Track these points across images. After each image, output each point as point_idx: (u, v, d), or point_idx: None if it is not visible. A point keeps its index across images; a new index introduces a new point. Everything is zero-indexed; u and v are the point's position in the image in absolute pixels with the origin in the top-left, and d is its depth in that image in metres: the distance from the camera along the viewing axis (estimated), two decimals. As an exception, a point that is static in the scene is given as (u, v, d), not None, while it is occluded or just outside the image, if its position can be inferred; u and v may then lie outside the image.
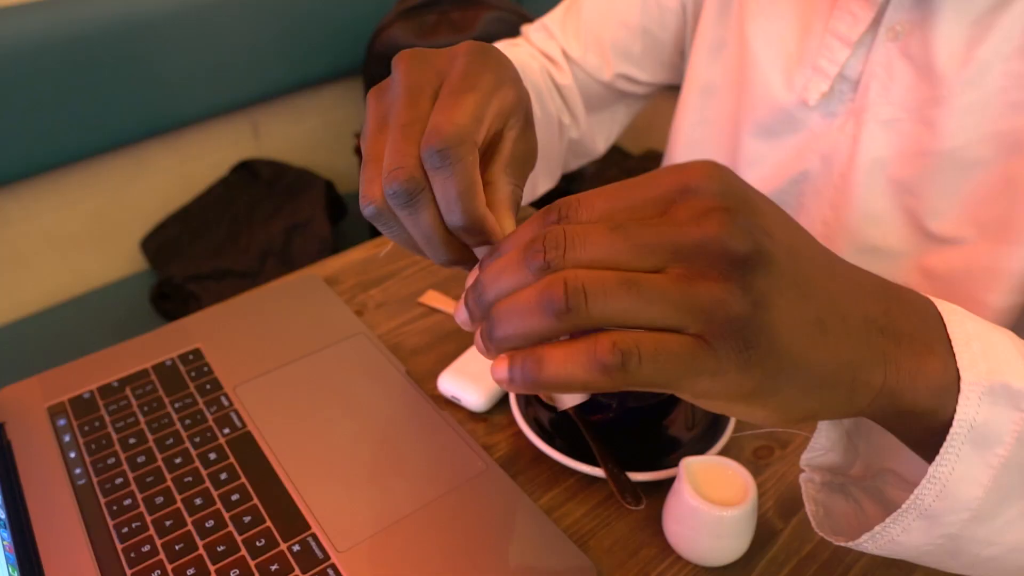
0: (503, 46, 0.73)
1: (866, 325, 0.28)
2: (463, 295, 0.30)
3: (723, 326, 0.25)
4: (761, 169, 0.63)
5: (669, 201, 0.27)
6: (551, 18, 0.74)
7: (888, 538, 0.32)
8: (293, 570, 0.46)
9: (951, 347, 0.29)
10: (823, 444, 0.36)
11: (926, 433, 0.30)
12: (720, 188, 0.26)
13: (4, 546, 0.47)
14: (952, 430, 0.29)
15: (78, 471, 0.53)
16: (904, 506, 0.30)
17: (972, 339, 0.30)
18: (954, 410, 0.29)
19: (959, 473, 0.29)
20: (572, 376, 0.26)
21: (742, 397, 0.27)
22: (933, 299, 0.31)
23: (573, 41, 0.72)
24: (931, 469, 0.29)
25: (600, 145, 0.77)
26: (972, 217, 0.54)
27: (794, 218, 0.29)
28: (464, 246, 0.35)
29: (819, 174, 0.60)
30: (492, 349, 0.29)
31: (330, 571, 0.46)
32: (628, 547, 0.48)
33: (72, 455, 0.54)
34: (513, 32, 1.27)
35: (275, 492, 0.51)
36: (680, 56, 0.72)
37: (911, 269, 0.57)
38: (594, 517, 0.50)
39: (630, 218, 0.27)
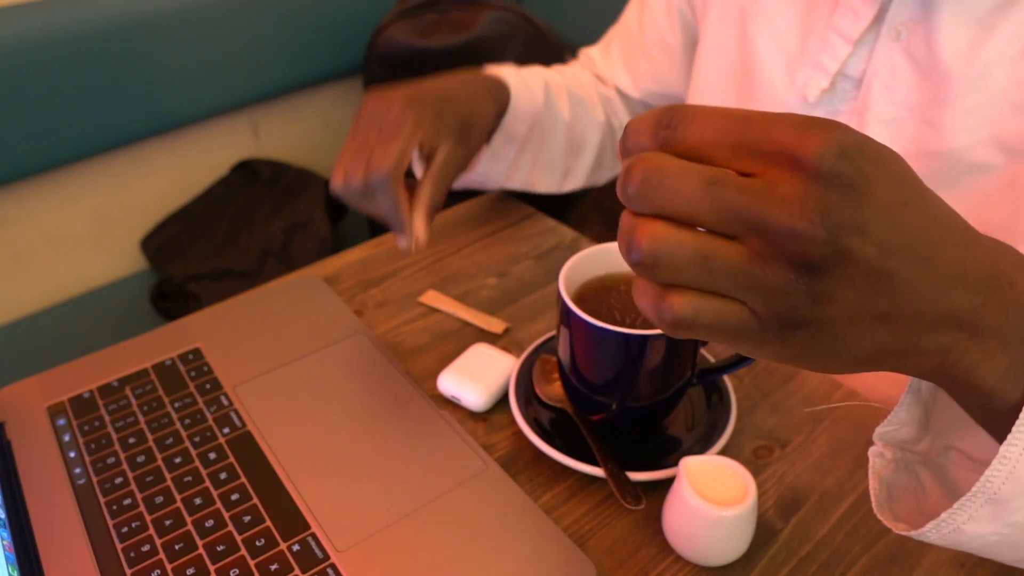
0: (562, 69, 0.83)
1: (942, 320, 0.28)
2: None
3: (776, 311, 0.26)
4: None
5: (776, 161, 0.25)
6: (594, 51, 0.84)
7: (954, 526, 0.31)
8: (293, 570, 0.46)
9: None
10: (902, 418, 0.36)
11: (992, 412, 0.30)
12: (837, 171, 0.25)
13: (4, 546, 0.47)
14: (1023, 415, 0.28)
15: (78, 471, 0.53)
16: (973, 490, 0.30)
17: None
18: (1012, 402, 0.29)
19: None
20: (644, 310, 0.28)
21: (776, 358, 0.28)
22: None
23: (613, 74, 0.80)
24: (1002, 449, 0.29)
25: None
26: (975, 219, 0.53)
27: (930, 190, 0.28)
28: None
29: None
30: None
31: (330, 571, 0.46)
32: (628, 547, 0.48)
33: (72, 455, 0.54)
34: (513, 32, 1.27)
35: (275, 492, 0.51)
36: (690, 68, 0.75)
37: None
38: (594, 517, 0.50)
39: (730, 159, 0.26)
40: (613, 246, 0.53)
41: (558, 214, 0.89)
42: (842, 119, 0.57)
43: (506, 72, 0.72)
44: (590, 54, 0.83)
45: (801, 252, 0.25)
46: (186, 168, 1.42)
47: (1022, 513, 0.30)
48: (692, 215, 0.26)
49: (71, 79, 1.18)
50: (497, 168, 0.71)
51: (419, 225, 0.58)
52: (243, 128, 1.47)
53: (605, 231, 1.25)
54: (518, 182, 0.74)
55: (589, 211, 1.27)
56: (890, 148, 0.27)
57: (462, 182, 0.73)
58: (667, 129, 0.27)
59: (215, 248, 1.33)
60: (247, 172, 1.45)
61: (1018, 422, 0.28)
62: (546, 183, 0.77)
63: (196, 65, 1.31)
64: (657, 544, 0.48)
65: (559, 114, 0.74)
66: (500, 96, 0.68)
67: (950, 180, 0.53)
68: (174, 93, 1.30)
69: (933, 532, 0.31)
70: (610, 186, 1.34)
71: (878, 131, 0.55)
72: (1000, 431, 0.29)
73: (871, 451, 0.36)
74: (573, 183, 0.79)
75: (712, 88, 0.67)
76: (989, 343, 0.28)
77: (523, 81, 0.71)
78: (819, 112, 0.59)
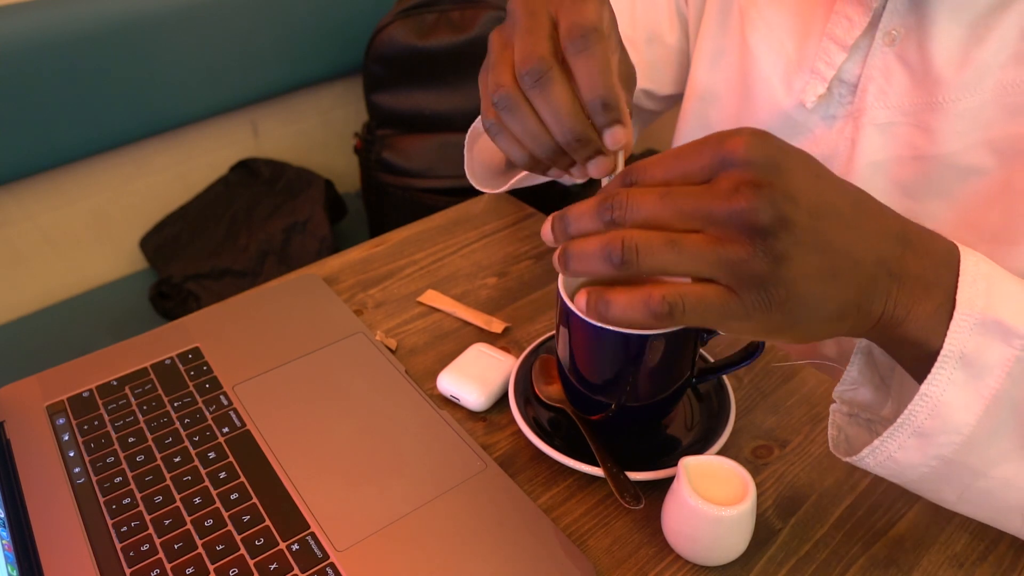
0: None
1: (877, 268, 0.34)
2: (550, 217, 0.37)
3: (747, 280, 0.32)
4: None
5: (714, 169, 0.32)
6: None
7: (886, 454, 0.36)
8: (292, 569, 0.46)
9: (954, 294, 0.34)
10: (854, 378, 0.42)
11: (922, 362, 0.35)
12: (755, 159, 0.31)
13: (3, 545, 0.47)
14: (942, 352, 0.34)
15: (77, 470, 0.53)
16: (898, 421, 0.35)
17: (980, 279, 0.34)
18: (942, 343, 0.34)
19: (950, 396, 0.34)
20: (631, 319, 0.34)
21: (767, 332, 0.34)
22: (962, 248, 0.36)
23: None
24: (923, 387, 0.34)
25: None
26: (969, 223, 0.54)
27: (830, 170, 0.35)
28: (589, 126, 0.40)
29: None
30: (567, 272, 0.36)
31: (329, 570, 0.46)
32: (627, 546, 0.49)
33: (71, 454, 0.54)
34: (513, 32, 1.27)
35: (274, 491, 0.51)
36: (684, 71, 0.73)
37: None
38: (593, 516, 0.50)
39: (682, 184, 0.33)
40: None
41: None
42: (838, 124, 0.58)
43: None
44: None
45: (749, 223, 0.31)
46: (185, 168, 1.42)
47: (947, 449, 0.35)
48: (656, 221, 0.33)
49: (71, 79, 1.18)
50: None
51: (628, 120, 0.40)
52: (243, 128, 1.48)
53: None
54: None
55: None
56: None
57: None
58: (632, 178, 0.35)
59: (214, 248, 1.33)
60: (247, 172, 1.45)
61: (936, 364, 0.34)
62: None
63: (196, 65, 1.31)
64: (656, 544, 0.48)
65: None
66: None
67: (944, 184, 0.53)
68: (173, 93, 1.30)
69: (869, 458, 0.38)
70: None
71: (873, 135, 0.56)
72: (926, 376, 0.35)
73: (832, 407, 0.43)
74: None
75: (711, 93, 0.67)
76: (915, 289, 0.34)
77: None
78: (816, 117, 0.59)
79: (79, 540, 0.49)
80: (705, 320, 0.33)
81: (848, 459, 0.39)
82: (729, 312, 0.32)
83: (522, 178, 0.61)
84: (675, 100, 0.76)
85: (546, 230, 0.37)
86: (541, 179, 0.66)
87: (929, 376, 0.34)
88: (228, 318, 0.66)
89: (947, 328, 0.33)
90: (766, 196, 0.31)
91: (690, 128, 0.70)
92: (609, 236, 0.33)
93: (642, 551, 0.48)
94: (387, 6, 1.41)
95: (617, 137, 0.39)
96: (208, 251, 1.32)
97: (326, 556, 0.47)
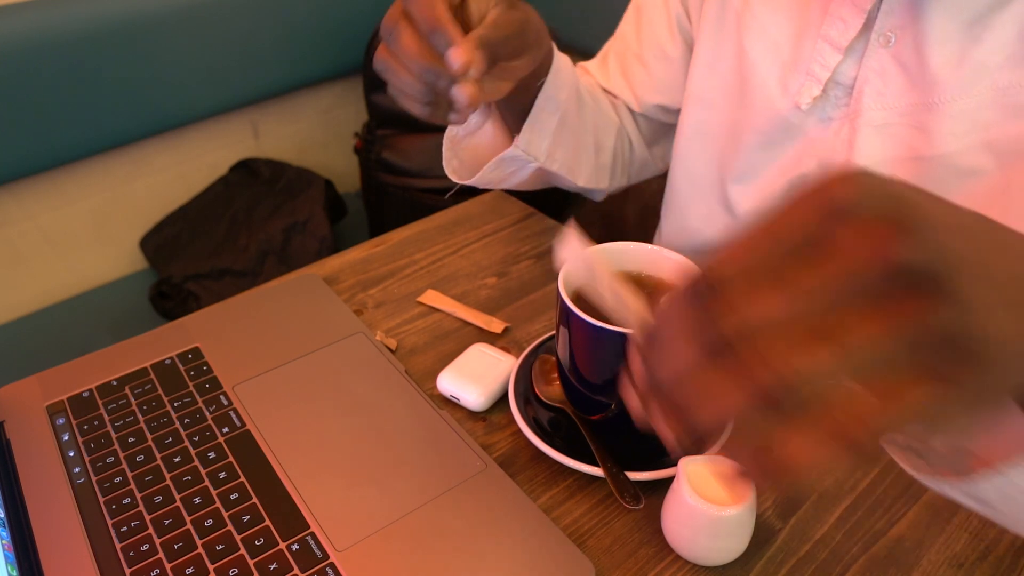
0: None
1: None
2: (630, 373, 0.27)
3: (940, 348, 0.23)
4: (759, 177, 0.64)
5: (824, 232, 0.23)
6: (590, 63, 0.79)
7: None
8: (292, 569, 0.46)
9: None
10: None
11: None
12: (876, 199, 0.23)
13: (3, 545, 0.47)
14: None
15: (77, 470, 0.53)
16: None
17: None
18: None
19: None
20: (824, 465, 0.23)
21: (990, 403, 0.25)
22: None
23: (615, 85, 0.77)
24: None
25: (660, 165, 0.82)
26: None
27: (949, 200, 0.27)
28: (436, 58, 0.47)
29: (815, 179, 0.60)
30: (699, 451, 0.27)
31: (329, 570, 0.46)
32: (627, 546, 0.49)
33: (71, 454, 0.54)
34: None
35: (274, 491, 0.51)
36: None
37: None
38: (593, 516, 0.50)
39: (784, 266, 0.23)
40: (612, 246, 0.53)
41: (558, 214, 0.89)
42: (835, 125, 0.57)
43: None
44: (587, 68, 0.80)
45: (911, 274, 0.22)
46: (185, 168, 1.42)
47: None
48: (786, 333, 0.23)
49: (71, 79, 1.18)
50: (539, 142, 0.64)
51: (468, 46, 0.47)
52: (243, 128, 1.48)
53: (605, 232, 1.25)
54: (559, 163, 0.67)
55: (590, 211, 1.27)
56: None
57: (506, 163, 0.64)
58: (707, 292, 0.24)
59: (214, 248, 1.33)
60: (246, 172, 1.45)
61: None
62: (587, 172, 0.72)
63: (196, 65, 1.31)
64: (656, 544, 0.48)
65: (585, 98, 0.70)
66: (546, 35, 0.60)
67: (941, 185, 0.53)
68: (173, 93, 1.30)
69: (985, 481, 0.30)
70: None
71: (870, 136, 0.55)
72: None
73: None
74: (607, 181, 0.75)
75: (708, 98, 0.67)
76: None
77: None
78: (812, 119, 0.59)
79: (79, 540, 0.49)
80: (922, 427, 0.24)
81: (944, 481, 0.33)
82: (947, 404, 0.23)
83: (491, 170, 0.65)
84: None
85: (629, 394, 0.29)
86: (514, 179, 0.69)
87: None
88: (228, 318, 0.66)
89: None
90: (917, 236, 0.22)
91: (686, 134, 0.70)
92: (742, 383, 0.23)
93: (642, 551, 0.48)
94: (387, 6, 1.41)
95: (453, 56, 0.45)
96: (208, 251, 1.32)
97: (326, 556, 0.47)
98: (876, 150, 0.56)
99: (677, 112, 0.75)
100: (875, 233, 0.22)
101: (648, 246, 0.56)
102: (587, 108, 0.70)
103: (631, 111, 0.77)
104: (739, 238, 0.24)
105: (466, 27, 0.49)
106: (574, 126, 0.68)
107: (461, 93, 0.47)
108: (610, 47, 0.78)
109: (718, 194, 0.68)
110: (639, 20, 0.74)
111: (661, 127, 0.78)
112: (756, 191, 0.65)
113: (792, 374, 0.22)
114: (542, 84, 0.62)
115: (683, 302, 0.25)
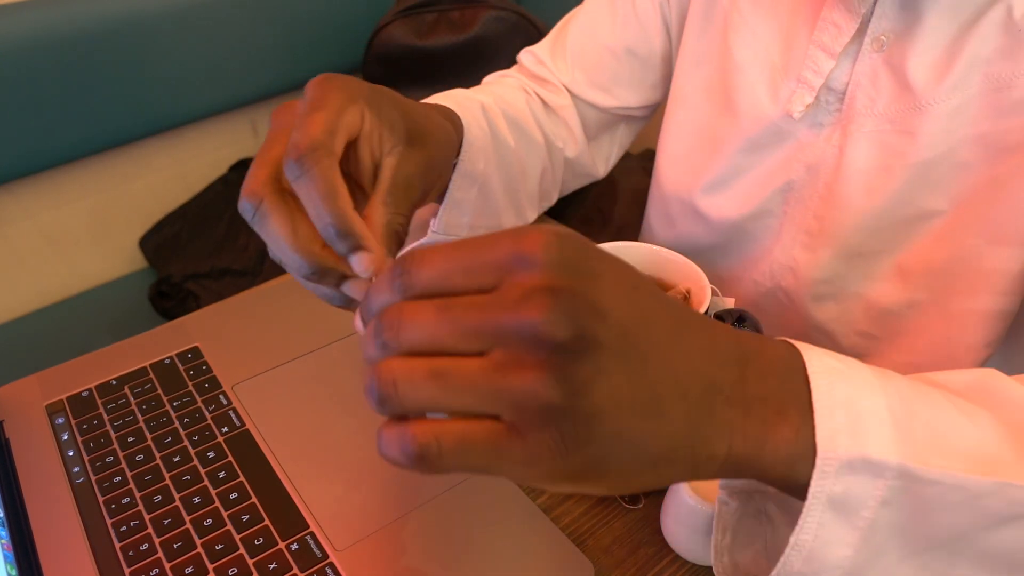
0: (491, 79, 0.74)
1: (710, 395, 0.27)
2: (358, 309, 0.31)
3: (534, 416, 0.24)
4: (746, 180, 0.63)
5: (505, 269, 0.25)
6: (540, 47, 0.74)
7: None
8: (291, 569, 0.46)
9: (811, 411, 0.28)
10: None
11: (787, 490, 0.30)
12: (554, 260, 0.25)
13: (2, 544, 0.47)
14: (808, 502, 0.28)
15: (76, 469, 0.53)
16: (773, 574, 0.30)
17: (837, 407, 0.28)
18: (810, 476, 0.28)
19: (823, 538, 0.29)
20: (394, 459, 0.26)
21: (565, 480, 0.26)
22: (808, 356, 0.30)
23: (564, 71, 0.72)
24: (792, 537, 0.29)
25: (600, 168, 0.77)
26: (958, 221, 0.54)
27: (643, 280, 0.28)
28: (323, 255, 0.37)
29: (804, 184, 0.59)
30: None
31: (328, 570, 0.46)
32: (626, 546, 0.49)
33: (71, 453, 0.54)
34: (512, 31, 1.27)
35: (273, 491, 0.51)
36: (670, 75, 0.71)
37: (895, 274, 0.57)
38: (592, 516, 0.50)
39: (465, 283, 0.26)
40: (612, 245, 0.53)
41: (558, 214, 0.89)
42: (826, 132, 0.57)
43: (435, 99, 0.59)
44: (536, 53, 0.73)
45: (542, 340, 0.24)
46: (185, 167, 1.42)
47: None
48: (434, 343, 0.26)
49: (70, 78, 1.18)
50: (458, 219, 0.57)
51: (373, 242, 0.37)
52: (242, 127, 1.47)
53: (605, 232, 1.25)
54: (484, 227, 0.62)
55: (590, 212, 1.27)
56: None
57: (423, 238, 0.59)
58: (401, 276, 0.27)
59: (214, 247, 1.33)
60: (246, 171, 1.45)
61: (804, 512, 0.28)
62: (512, 219, 0.67)
63: (195, 64, 1.31)
64: (656, 543, 0.48)
65: (505, 140, 0.63)
66: (454, 119, 0.54)
67: (932, 184, 0.53)
68: (173, 92, 1.30)
69: None
70: (610, 187, 1.34)
71: (861, 142, 0.55)
72: (797, 503, 0.29)
73: (717, 499, 0.36)
74: (530, 214, 0.70)
75: (692, 101, 0.66)
76: (765, 412, 0.28)
77: (463, 106, 0.57)
78: (803, 126, 0.58)
79: (78, 540, 0.49)
80: (472, 464, 0.25)
81: None
82: (506, 455, 0.25)
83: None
84: (653, 108, 0.75)
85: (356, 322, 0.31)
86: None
87: (797, 527, 0.29)
88: (228, 318, 0.66)
89: (810, 467, 0.28)
90: (565, 306, 0.24)
91: (673, 135, 0.69)
92: (373, 369, 0.26)
93: (641, 551, 0.48)
94: (387, 6, 1.41)
95: (363, 264, 0.36)
96: (208, 251, 1.32)
97: (325, 556, 0.47)
98: (867, 156, 0.55)
99: (635, 108, 0.73)
100: (534, 291, 0.24)
101: (648, 246, 0.56)
102: (510, 153, 0.63)
103: (578, 101, 0.72)
104: (446, 245, 0.27)
105: (356, 170, 0.41)
106: (496, 185, 0.61)
107: (361, 262, 0.37)
108: (568, 28, 0.72)
109: (694, 195, 0.67)
110: (614, 8, 0.70)
111: (612, 118, 0.74)
112: (733, 195, 0.64)
113: (390, 388, 0.25)
114: (456, 163, 0.55)
115: (384, 277, 0.28)
